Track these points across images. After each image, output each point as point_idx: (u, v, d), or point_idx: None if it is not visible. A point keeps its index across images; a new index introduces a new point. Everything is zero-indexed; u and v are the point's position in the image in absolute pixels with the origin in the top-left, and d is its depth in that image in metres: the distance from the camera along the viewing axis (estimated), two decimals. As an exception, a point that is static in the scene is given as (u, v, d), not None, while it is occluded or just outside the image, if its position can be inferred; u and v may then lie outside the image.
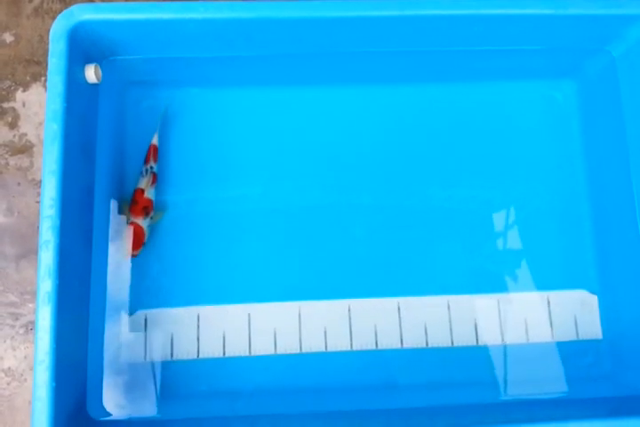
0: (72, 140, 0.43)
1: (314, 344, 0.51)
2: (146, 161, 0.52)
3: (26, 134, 0.55)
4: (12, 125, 0.55)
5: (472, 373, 0.51)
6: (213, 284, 0.51)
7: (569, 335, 0.52)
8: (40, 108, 0.56)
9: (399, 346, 0.51)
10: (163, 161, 0.53)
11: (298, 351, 0.50)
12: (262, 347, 0.50)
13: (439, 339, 0.51)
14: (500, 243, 0.54)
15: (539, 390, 0.50)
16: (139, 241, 0.50)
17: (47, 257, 0.41)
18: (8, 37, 0.57)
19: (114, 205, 0.51)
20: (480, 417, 0.47)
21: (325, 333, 0.51)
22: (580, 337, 0.52)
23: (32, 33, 0.57)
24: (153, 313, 0.50)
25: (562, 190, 0.55)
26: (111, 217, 0.51)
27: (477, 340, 0.51)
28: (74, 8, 0.44)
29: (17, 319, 0.53)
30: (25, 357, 0.52)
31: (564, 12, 0.47)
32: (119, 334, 0.49)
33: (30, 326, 0.52)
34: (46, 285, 0.40)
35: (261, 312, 0.51)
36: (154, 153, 0.52)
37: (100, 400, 0.47)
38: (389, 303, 0.52)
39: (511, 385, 0.50)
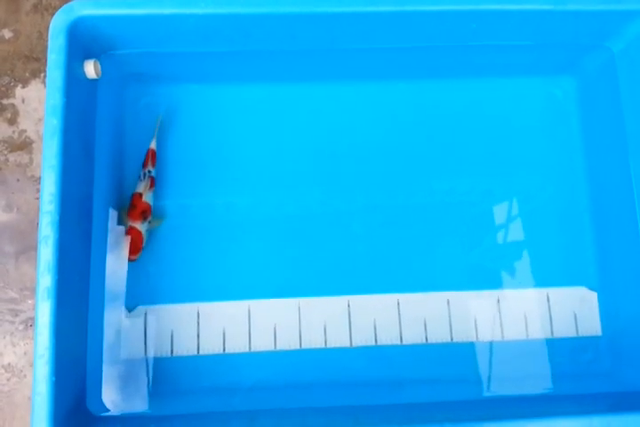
0: (71, 136, 0.43)
1: (313, 340, 0.51)
2: (144, 165, 0.52)
3: (25, 131, 0.55)
4: (12, 122, 0.55)
5: (471, 369, 0.51)
6: (213, 280, 0.51)
7: (568, 332, 0.52)
8: (39, 105, 0.56)
9: (399, 342, 0.51)
10: (161, 158, 0.53)
11: (297, 347, 0.51)
12: (262, 343, 0.50)
13: (439, 335, 0.51)
14: (499, 240, 0.54)
15: (538, 386, 0.50)
16: (137, 246, 0.50)
17: (46, 252, 0.41)
18: (7, 33, 0.57)
19: (113, 200, 0.51)
20: (479, 412, 0.47)
21: (325, 329, 0.51)
22: (580, 334, 0.52)
23: (31, 29, 0.57)
24: (153, 309, 0.50)
25: (561, 187, 0.55)
26: (110, 213, 0.51)
27: (477, 336, 0.51)
28: (73, 3, 0.44)
29: (16, 316, 0.53)
30: (24, 353, 0.52)
31: (563, 8, 0.47)
32: (119, 330, 0.49)
33: (30, 323, 0.52)
34: (46, 280, 0.40)
35: (261, 308, 0.51)
36: (152, 157, 0.52)
37: (99, 396, 0.47)
38: (389, 299, 0.52)
39: (510, 381, 0.50)
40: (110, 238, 0.50)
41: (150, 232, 0.51)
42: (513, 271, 0.53)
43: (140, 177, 0.51)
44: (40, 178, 0.42)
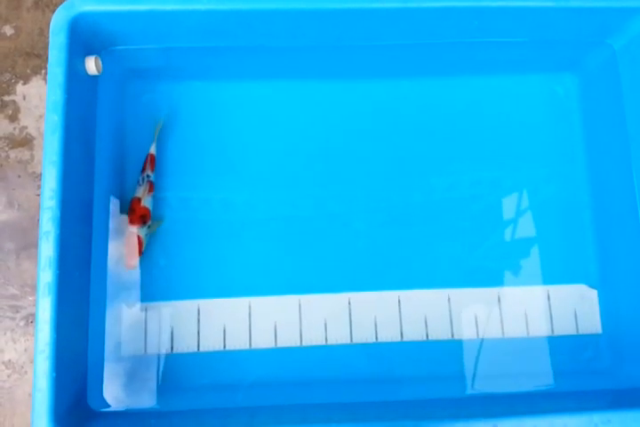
0: (72, 132, 0.43)
1: (314, 337, 0.51)
2: (143, 169, 0.51)
3: (26, 127, 0.55)
4: (13, 118, 0.55)
5: (472, 366, 0.51)
6: (214, 277, 0.51)
7: (569, 329, 0.52)
8: (40, 102, 0.56)
9: (399, 339, 0.51)
10: (162, 155, 0.53)
11: (298, 344, 0.51)
12: (262, 340, 0.50)
13: (439, 332, 0.51)
14: (500, 237, 0.54)
15: (539, 383, 0.50)
16: (137, 251, 0.49)
17: (47, 248, 0.41)
18: (8, 30, 0.57)
19: (114, 196, 0.51)
20: (479, 409, 0.47)
21: (325, 326, 0.51)
22: (580, 331, 0.52)
23: (32, 26, 0.57)
24: (153, 306, 0.50)
25: (562, 184, 0.55)
26: (111, 209, 0.51)
27: (477, 333, 0.51)
28: (74, -1, 0.44)
29: (17, 312, 0.53)
30: (25, 349, 0.52)
31: (565, 5, 0.47)
32: (120, 327, 0.49)
33: (30, 319, 0.52)
34: (46, 275, 0.40)
35: (262, 305, 0.51)
36: (151, 162, 0.52)
37: (100, 392, 0.47)
38: (389, 296, 0.52)
39: (511, 378, 0.50)
40: (112, 224, 0.50)
41: (150, 237, 0.51)
42: (513, 269, 0.53)
43: (138, 182, 0.51)
44: (41, 174, 0.42)
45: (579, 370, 0.51)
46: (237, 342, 0.50)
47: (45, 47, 0.56)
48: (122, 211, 0.51)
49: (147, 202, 0.51)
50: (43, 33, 0.57)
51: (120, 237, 0.50)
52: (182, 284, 0.51)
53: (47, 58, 0.43)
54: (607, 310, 0.53)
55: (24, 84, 0.56)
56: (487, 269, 0.53)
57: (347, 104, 0.55)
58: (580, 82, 0.56)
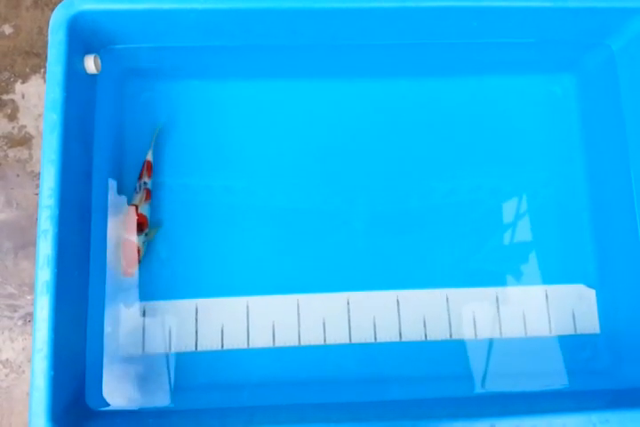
0: (71, 130, 0.43)
1: (312, 337, 0.51)
2: (140, 177, 0.51)
3: (25, 126, 0.55)
4: (12, 117, 0.55)
5: (470, 366, 0.51)
6: (212, 276, 0.51)
7: (567, 329, 0.52)
8: (39, 101, 0.56)
9: (398, 339, 0.51)
10: (161, 154, 0.53)
11: (296, 344, 0.50)
12: (261, 340, 0.50)
13: (438, 332, 0.51)
14: (498, 237, 0.54)
15: (537, 384, 0.50)
16: (134, 259, 0.49)
17: (46, 247, 0.41)
18: (7, 29, 0.57)
19: (112, 196, 0.51)
20: (478, 409, 0.47)
21: (324, 326, 0.51)
22: (578, 331, 0.52)
23: (31, 25, 0.57)
24: (152, 305, 0.50)
25: (561, 184, 0.55)
26: (109, 208, 0.51)
27: (476, 333, 0.51)
28: (74, -3, 0.44)
29: (15, 311, 0.53)
30: (23, 348, 0.52)
31: (563, 5, 0.47)
32: (118, 326, 0.49)
33: (28, 318, 0.52)
34: (45, 274, 0.40)
35: (260, 305, 0.51)
36: (148, 169, 0.51)
37: (98, 391, 0.47)
38: (388, 297, 0.52)
39: (509, 378, 0.50)
40: (110, 230, 0.50)
41: (147, 244, 0.51)
42: (512, 269, 0.53)
43: (135, 189, 0.51)
44: (39, 173, 0.42)
45: (577, 370, 0.51)
46: (236, 341, 0.50)
47: (44, 46, 0.56)
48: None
49: (144, 209, 0.50)
50: (42, 32, 0.57)
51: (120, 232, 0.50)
52: (180, 283, 0.51)
53: (46, 57, 0.43)
54: (605, 310, 0.53)
55: (23, 82, 0.56)
56: (486, 270, 0.53)
57: (346, 104, 0.55)
58: (578, 82, 0.56)
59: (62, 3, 0.44)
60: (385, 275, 0.52)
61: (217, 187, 0.53)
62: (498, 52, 0.54)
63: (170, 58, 0.52)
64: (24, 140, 0.55)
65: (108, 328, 0.49)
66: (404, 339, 0.51)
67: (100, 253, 0.49)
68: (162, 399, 0.48)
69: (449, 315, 0.52)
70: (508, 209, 0.54)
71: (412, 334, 0.51)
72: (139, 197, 0.50)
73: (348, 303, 0.51)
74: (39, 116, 0.55)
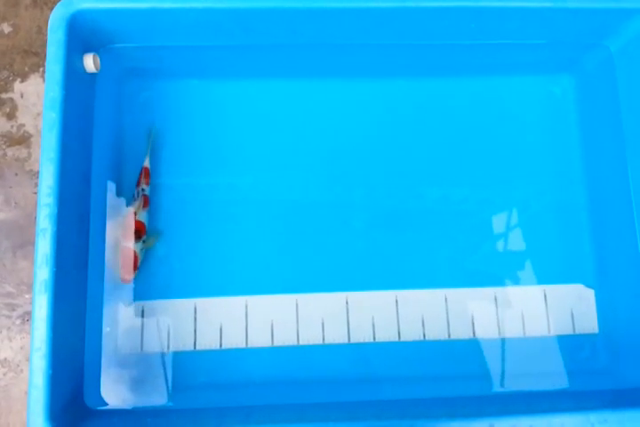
0: (70, 129, 0.43)
1: (311, 337, 0.51)
2: (137, 184, 0.51)
3: (24, 125, 0.55)
4: (10, 116, 0.55)
5: (469, 366, 0.51)
6: (211, 276, 0.51)
7: (566, 329, 0.52)
8: (38, 99, 0.55)
9: (396, 339, 0.51)
10: (161, 154, 0.53)
11: (295, 344, 0.50)
12: (259, 339, 0.50)
13: (436, 332, 0.51)
14: (497, 237, 0.54)
15: (535, 383, 0.50)
16: (132, 266, 0.49)
17: (44, 245, 0.41)
18: (6, 28, 0.57)
19: (111, 195, 0.51)
20: (476, 409, 0.47)
21: (323, 325, 0.51)
22: (577, 331, 0.52)
23: (30, 24, 0.57)
24: (150, 304, 0.50)
25: (559, 185, 0.55)
26: (108, 207, 0.51)
27: (474, 333, 0.51)
28: (73, -4, 0.44)
29: (13, 310, 0.52)
30: (21, 347, 0.52)
31: (562, 5, 0.47)
32: (117, 325, 0.49)
33: (27, 317, 0.52)
34: (43, 273, 0.40)
35: (259, 304, 0.51)
36: (145, 176, 0.51)
37: (96, 390, 0.47)
38: (387, 296, 0.52)
39: (508, 378, 0.50)
40: (109, 230, 0.50)
41: (145, 251, 0.50)
42: (510, 269, 0.53)
43: (133, 195, 0.51)
44: (38, 172, 0.42)
45: (575, 370, 0.51)
46: (234, 340, 0.50)
47: (43, 45, 0.56)
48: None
49: (142, 216, 0.50)
50: (41, 31, 0.56)
51: (116, 228, 0.50)
52: (179, 282, 0.51)
53: (45, 56, 0.43)
54: (604, 310, 0.53)
55: (22, 81, 0.56)
56: (484, 270, 0.53)
57: (344, 104, 0.55)
58: (577, 83, 0.57)
59: (61, 1, 0.44)
60: (384, 275, 0.52)
61: (216, 187, 0.53)
62: (497, 52, 0.54)
63: (169, 57, 0.52)
64: (23, 139, 0.55)
65: (106, 327, 0.49)
66: (402, 339, 0.51)
67: (98, 252, 0.49)
68: (160, 398, 0.48)
69: (447, 315, 0.52)
70: (508, 209, 0.54)
71: (411, 333, 0.51)
72: (136, 204, 0.50)
73: (347, 303, 0.51)
74: (38, 114, 0.55)
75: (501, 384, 0.50)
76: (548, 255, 0.53)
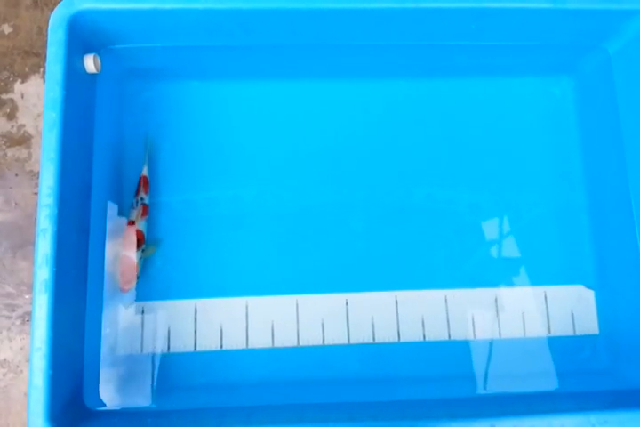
0: (70, 129, 0.43)
1: (311, 338, 0.51)
2: (136, 193, 0.51)
3: (24, 126, 0.55)
4: (11, 117, 0.55)
5: (469, 367, 0.51)
6: (211, 276, 0.51)
7: (566, 330, 0.52)
8: (38, 100, 0.55)
9: (396, 340, 0.51)
10: (162, 154, 0.53)
11: (295, 344, 0.50)
12: (260, 340, 0.50)
13: (436, 333, 0.51)
14: (497, 238, 0.54)
15: (536, 384, 0.50)
16: (131, 275, 0.49)
17: (44, 245, 0.41)
18: (7, 29, 0.57)
19: (112, 194, 0.51)
20: (477, 410, 0.46)
21: (323, 326, 0.51)
22: (577, 332, 0.52)
23: (31, 24, 0.57)
24: (151, 305, 0.50)
25: (559, 185, 0.55)
26: (109, 207, 0.51)
27: (474, 334, 0.51)
28: (74, -3, 0.44)
29: (13, 311, 0.52)
30: (21, 348, 0.52)
31: (562, 7, 0.47)
32: (116, 325, 0.49)
33: (27, 318, 0.52)
34: (43, 273, 0.40)
35: (259, 305, 0.51)
36: (144, 185, 0.51)
37: (96, 390, 0.47)
38: (387, 297, 0.52)
39: (508, 379, 0.50)
40: (109, 224, 0.50)
41: (145, 260, 0.50)
42: (510, 269, 0.53)
43: (132, 204, 0.51)
44: (38, 173, 0.42)
45: (576, 371, 0.51)
46: (234, 341, 0.50)
47: (44, 46, 0.56)
48: (119, 214, 0.51)
49: (141, 225, 0.50)
50: (41, 32, 0.57)
51: (117, 242, 0.50)
52: (179, 283, 0.51)
53: (45, 56, 0.43)
54: (604, 311, 0.53)
55: (22, 82, 0.56)
56: (484, 270, 0.53)
57: (345, 104, 0.55)
58: (576, 84, 0.57)
59: (62, 2, 0.44)
60: (384, 275, 0.52)
61: (216, 187, 0.53)
62: (496, 54, 0.54)
63: (170, 58, 0.52)
64: (23, 140, 0.55)
65: (106, 328, 0.49)
66: (402, 339, 0.51)
67: (98, 252, 0.49)
68: (160, 399, 0.48)
69: (447, 316, 0.52)
70: (507, 210, 0.54)
71: (411, 334, 0.51)
72: (136, 213, 0.50)
73: (347, 304, 0.51)
74: (38, 115, 0.55)
75: (502, 385, 0.50)
76: (548, 256, 0.53)
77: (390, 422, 0.43)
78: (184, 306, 0.50)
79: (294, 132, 0.54)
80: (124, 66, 0.52)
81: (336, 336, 0.51)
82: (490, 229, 0.54)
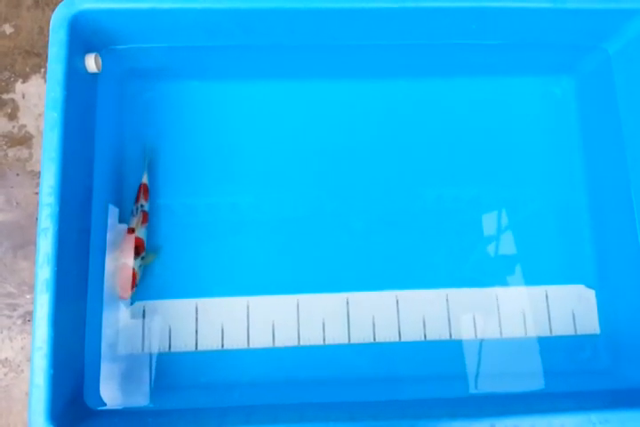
0: (71, 129, 0.43)
1: (312, 337, 0.51)
2: (136, 200, 0.51)
3: (25, 126, 0.55)
4: (12, 117, 0.55)
5: (470, 366, 0.51)
6: (212, 276, 0.51)
7: (567, 330, 0.52)
8: (39, 100, 0.56)
9: (397, 339, 0.51)
10: (162, 154, 0.53)
11: (296, 344, 0.50)
12: (260, 339, 0.50)
13: (437, 332, 0.51)
14: (498, 238, 0.54)
15: (537, 384, 0.50)
16: (131, 283, 0.48)
17: (46, 245, 0.41)
18: (8, 29, 0.57)
19: (113, 195, 0.51)
20: (477, 409, 0.46)
21: (324, 326, 0.51)
22: (578, 332, 0.52)
23: (32, 24, 0.57)
24: (151, 304, 0.50)
25: (560, 185, 0.55)
26: (110, 206, 0.51)
27: (475, 334, 0.51)
28: (75, -3, 0.44)
29: (14, 310, 0.52)
30: (22, 347, 0.52)
31: (562, 6, 0.47)
32: (117, 325, 0.49)
33: (28, 317, 0.52)
34: (45, 272, 0.40)
35: (260, 305, 0.51)
36: (144, 192, 0.51)
37: (97, 390, 0.47)
38: (388, 297, 0.52)
39: (509, 378, 0.50)
40: (109, 233, 0.50)
41: (145, 268, 0.50)
42: (511, 269, 0.53)
43: (132, 212, 0.51)
44: (39, 173, 0.42)
45: (577, 370, 0.51)
46: (235, 341, 0.50)
47: (45, 46, 0.56)
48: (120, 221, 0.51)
49: (140, 233, 0.50)
50: (42, 32, 0.57)
51: (117, 243, 0.50)
52: (180, 283, 0.51)
53: (47, 57, 0.43)
54: (605, 311, 0.53)
55: (23, 82, 0.56)
56: (485, 270, 0.53)
57: (344, 105, 0.55)
58: (576, 84, 0.57)
59: (63, 2, 0.44)
60: (384, 275, 0.52)
61: (218, 188, 0.53)
62: (497, 53, 0.54)
63: (170, 58, 0.53)
64: (24, 140, 0.55)
65: (106, 327, 0.49)
66: (403, 339, 0.51)
67: (99, 251, 0.49)
68: (161, 398, 0.48)
69: (448, 315, 0.52)
70: (508, 209, 0.54)
71: (412, 334, 0.51)
72: (135, 220, 0.50)
73: (348, 303, 0.51)
74: (39, 115, 0.55)
75: (502, 384, 0.50)
76: (549, 256, 0.54)
77: (391, 422, 0.43)
78: (185, 305, 0.51)
79: (294, 131, 0.54)
80: (125, 66, 0.52)
81: (337, 336, 0.51)
82: (491, 228, 0.54)
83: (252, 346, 0.50)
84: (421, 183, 0.54)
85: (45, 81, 0.43)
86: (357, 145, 0.54)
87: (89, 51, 0.47)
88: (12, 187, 0.54)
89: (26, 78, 0.56)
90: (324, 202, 0.53)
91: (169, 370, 0.49)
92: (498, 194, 0.54)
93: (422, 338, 0.51)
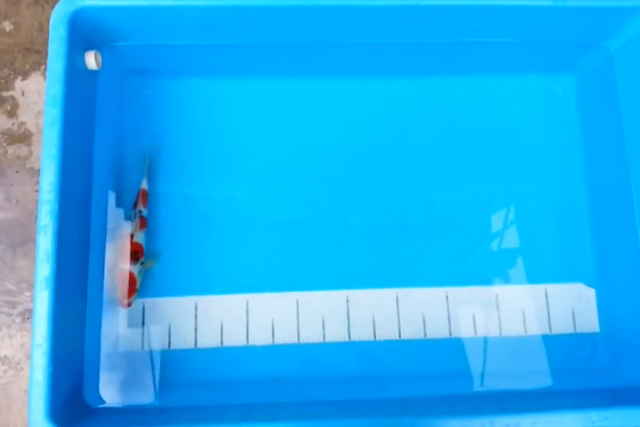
0: (71, 126, 0.43)
1: (312, 335, 0.51)
2: (134, 205, 0.51)
3: (25, 123, 0.55)
4: (11, 114, 0.55)
5: (470, 364, 0.51)
6: (212, 273, 0.51)
7: (566, 328, 0.52)
8: (39, 97, 0.55)
9: (397, 337, 0.51)
10: (162, 152, 0.53)
11: (296, 342, 0.50)
12: (260, 337, 0.50)
13: (437, 330, 0.51)
14: (498, 236, 0.54)
15: (537, 382, 0.50)
16: (131, 289, 0.48)
17: (45, 242, 0.41)
18: (7, 26, 0.57)
19: (112, 193, 0.51)
20: (477, 407, 0.47)
21: (323, 323, 0.51)
22: (578, 330, 0.52)
23: (32, 21, 0.57)
24: (151, 302, 0.50)
25: (560, 183, 0.55)
26: (109, 204, 0.51)
27: (475, 331, 0.51)
28: (75, -7, 0.44)
29: (14, 308, 0.52)
30: (21, 345, 0.52)
31: (563, 4, 0.47)
32: (117, 323, 0.49)
33: (27, 315, 0.52)
34: (44, 269, 0.40)
35: (259, 302, 0.51)
36: (143, 197, 0.51)
37: (96, 388, 0.47)
38: (388, 295, 0.52)
39: (509, 376, 0.50)
40: (109, 233, 0.50)
41: (144, 273, 0.50)
42: (511, 267, 0.53)
43: (130, 217, 0.51)
44: (39, 170, 0.42)
45: (576, 368, 0.51)
46: (235, 338, 0.50)
47: (45, 43, 0.56)
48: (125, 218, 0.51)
49: (139, 238, 0.50)
50: (42, 29, 0.57)
51: (117, 240, 0.50)
52: (180, 280, 0.51)
53: (46, 54, 0.43)
54: (605, 309, 0.53)
55: (23, 79, 0.56)
56: (485, 268, 0.53)
57: (344, 103, 0.55)
58: (577, 82, 0.57)
59: (63, -2, 0.44)
60: (384, 273, 0.52)
61: (217, 184, 0.53)
62: (498, 51, 0.54)
63: (171, 56, 0.52)
64: (24, 137, 0.55)
65: (106, 325, 0.49)
66: (403, 337, 0.51)
67: (98, 249, 0.49)
68: (160, 396, 0.48)
69: (448, 313, 0.52)
70: (508, 208, 0.54)
71: (412, 332, 0.51)
72: (134, 226, 0.50)
73: (348, 301, 0.51)
74: (39, 113, 0.55)
75: (502, 382, 0.50)
76: (548, 254, 0.53)
77: (390, 420, 0.43)
78: (184, 303, 0.51)
79: (295, 129, 0.54)
80: (125, 63, 0.52)
81: (336, 334, 0.51)
82: (491, 226, 0.54)
83: (251, 344, 0.50)
84: (422, 181, 0.54)
85: (45, 78, 0.43)
86: (357, 142, 0.54)
87: (89, 48, 0.47)
88: (11, 184, 0.54)
89: (25, 75, 0.56)
90: (324, 200, 0.53)
91: (168, 368, 0.49)
92: (498, 192, 0.54)
93: (422, 336, 0.51)
